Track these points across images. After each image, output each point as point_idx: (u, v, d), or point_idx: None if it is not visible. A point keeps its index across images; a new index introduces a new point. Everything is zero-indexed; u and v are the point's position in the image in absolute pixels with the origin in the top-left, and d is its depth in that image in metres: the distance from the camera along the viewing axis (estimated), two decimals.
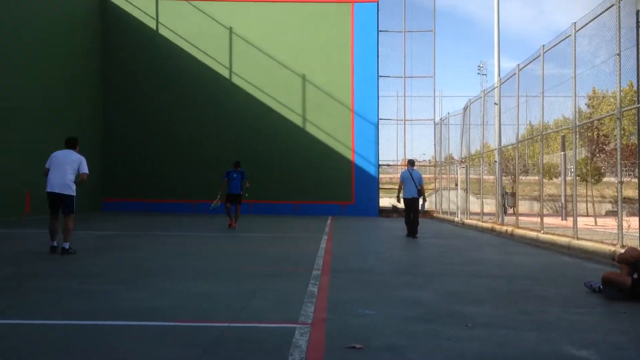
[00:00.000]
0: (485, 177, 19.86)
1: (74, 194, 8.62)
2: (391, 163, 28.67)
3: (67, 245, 8.50)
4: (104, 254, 9.08)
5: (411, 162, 14.08)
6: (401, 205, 13.71)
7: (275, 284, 6.33)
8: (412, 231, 13.08)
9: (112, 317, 4.61)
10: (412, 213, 13.14)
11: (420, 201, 13.31)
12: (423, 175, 13.87)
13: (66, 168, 8.51)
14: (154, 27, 24.35)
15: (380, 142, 24.88)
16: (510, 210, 19.65)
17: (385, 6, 25.54)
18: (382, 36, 25.31)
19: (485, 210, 18.76)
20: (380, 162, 25.49)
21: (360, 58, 24.35)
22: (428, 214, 23.56)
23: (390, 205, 25.13)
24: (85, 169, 8.66)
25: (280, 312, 4.87)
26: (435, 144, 26.27)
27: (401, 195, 13.37)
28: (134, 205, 23.90)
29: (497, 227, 15.62)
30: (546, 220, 13.11)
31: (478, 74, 59.07)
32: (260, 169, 23.31)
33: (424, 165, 33.63)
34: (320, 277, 6.74)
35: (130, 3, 24.38)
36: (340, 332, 4.20)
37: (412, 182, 13.10)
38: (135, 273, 7.01)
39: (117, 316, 4.62)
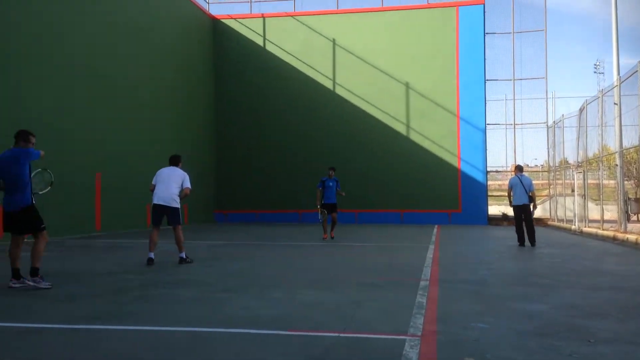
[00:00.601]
0: (604, 182, 18.62)
1: (179, 206, 9.08)
2: (500, 169, 27.58)
3: (183, 255, 8.98)
4: (217, 263, 9.48)
5: (519, 168, 13.55)
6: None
7: (383, 294, 6.29)
8: (529, 238, 12.62)
9: (225, 324, 4.79)
10: (523, 220, 12.67)
11: (530, 208, 12.80)
12: (535, 182, 13.28)
13: (171, 183, 8.99)
14: (262, 44, 25.22)
15: (488, 147, 24.09)
16: (634, 217, 18.29)
17: (492, 8, 24.75)
18: (489, 38, 24.56)
19: (605, 218, 17.58)
20: (489, 169, 24.66)
21: (466, 62, 23.75)
22: (541, 221, 22.44)
23: (500, 213, 24.23)
24: (188, 184, 9.09)
25: (389, 323, 4.83)
26: (548, 148, 25.01)
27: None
28: (243, 217, 24.83)
29: (620, 235, 14.58)
30: None
31: (594, 72, 55.86)
32: (365, 177, 23.42)
33: (536, 171, 32.07)
34: (429, 288, 6.61)
35: (239, 22, 25.45)
36: (451, 345, 4.10)
37: (522, 188, 12.63)
38: (247, 282, 7.26)
39: (230, 324, 4.80)
